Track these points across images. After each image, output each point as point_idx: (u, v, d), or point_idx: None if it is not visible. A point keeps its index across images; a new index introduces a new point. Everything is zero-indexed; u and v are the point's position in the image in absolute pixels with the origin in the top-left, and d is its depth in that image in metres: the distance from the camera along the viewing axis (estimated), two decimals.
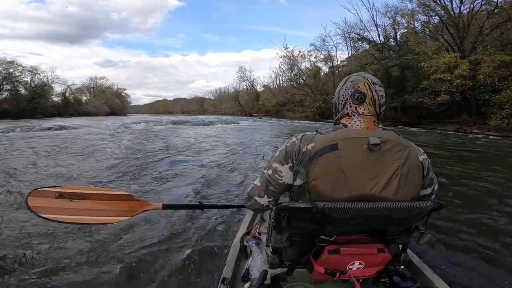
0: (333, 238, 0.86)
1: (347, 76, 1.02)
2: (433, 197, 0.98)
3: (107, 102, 53.78)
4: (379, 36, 26.10)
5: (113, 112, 52.14)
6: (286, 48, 39.48)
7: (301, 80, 40.64)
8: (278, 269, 1.08)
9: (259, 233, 1.55)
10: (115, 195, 1.25)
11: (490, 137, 12.61)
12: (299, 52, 40.49)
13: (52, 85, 44.11)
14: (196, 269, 1.94)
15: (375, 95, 0.94)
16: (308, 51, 39.94)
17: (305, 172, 0.85)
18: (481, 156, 7.50)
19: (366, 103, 0.94)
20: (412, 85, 20.60)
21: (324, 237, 0.86)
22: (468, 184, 4.35)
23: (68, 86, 48.26)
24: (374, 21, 25.92)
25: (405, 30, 23.51)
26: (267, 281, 1.11)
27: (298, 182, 0.88)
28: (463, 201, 3.52)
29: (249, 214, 1.82)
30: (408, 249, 1.03)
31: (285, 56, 40.72)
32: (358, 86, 0.94)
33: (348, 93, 0.96)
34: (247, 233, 1.53)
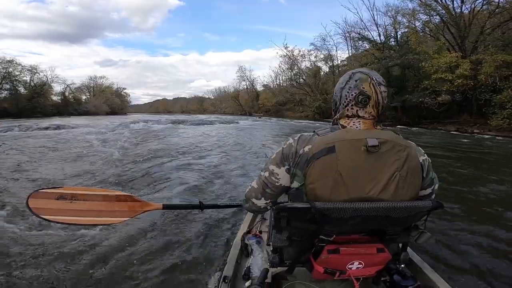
0: (332, 238, 0.86)
1: (350, 72, 0.95)
2: (433, 196, 0.96)
3: (106, 101, 53.66)
4: (379, 36, 26.07)
5: (112, 112, 52.02)
6: (286, 48, 39.44)
7: (301, 80, 40.56)
8: (278, 267, 1.07)
9: (260, 232, 1.54)
10: (116, 196, 1.25)
11: (498, 138, 12.54)
12: (299, 51, 40.44)
13: (52, 85, 44.08)
14: (198, 268, 1.95)
15: (380, 97, 0.90)
16: (308, 51, 39.83)
17: (302, 174, 0.84)
18: (485, 156, 7.46)
19: (369, 105, 0.90)
20: (413, 85, 20.52)
21: (323, 237, 0.86)
22: (469, 184, 4.32)
23: (67, 85, 48.20)
24: (374, 20, 25.90)
25: (406, 30, 23.46)
26: (268, 280, 1.11)
27: (296, 184, 0.87)
28: (464, 201, 3.52)
29: (250, 213, 1.80)
30: (408, 248, 1.03)
31: (285, 56, 40.66)
32: (363, 87, 0.89)
33: (352, 95, 0.90)
34: (248, 232, 1.52)
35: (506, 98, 14.22)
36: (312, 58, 38.86)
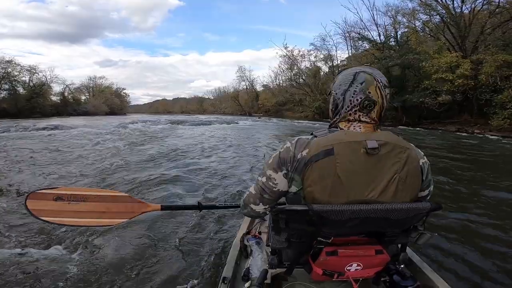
0: (330, 240, 0.85)
1: (353, 72, 0.88)
2: (428, 197, 0.96)
3: (106, 101, 53.65)
4: (379, 36, 25.99)
5: (112, 112, 51.98)
6: (286, 48, 39.40)
7: (300, 80, 40.49)
8: (278, 268, 1.08)
9: (260, 233, 1.53)
10: (114, 196, 1.24)
11: (499, 138, 12.41)
12: (299, 51, 40.39)
13: (51, 85, 44.07)
14: (197, 269, 1.94)
15: (385, 101, 0.87)
16: (308, 51, 39.73)
17: (300, 179, 0.82)
18: (486, 156, 7.38)
19: (373, 111, 0.86)
20: (413, 85, 20.44)
21: (322, 239, 0.85)
22: (469, 184, 4.32)
23: (67, 85, 48.17)
24: (374, 20, 25.82)
25: (406, 30, 23.38)
26: (267, 281, 1.10)
27: (293, 189, 0.86)
28: (464, 201, 3.52)
29: None
30: (408, 248, 1.03)
31: (284, 56, 40.61)
32: (369, 92, 0.84)
33: (357, 100, 0.85)
34: (248, 233, 1.51)
35: (507, 98, 14.14)
36: (312, 58, 38.85)
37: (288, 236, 0.91)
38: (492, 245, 2.34)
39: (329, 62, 36.34)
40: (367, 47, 27.44)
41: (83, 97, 54.19)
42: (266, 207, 0.96)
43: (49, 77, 43.59)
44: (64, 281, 1.81)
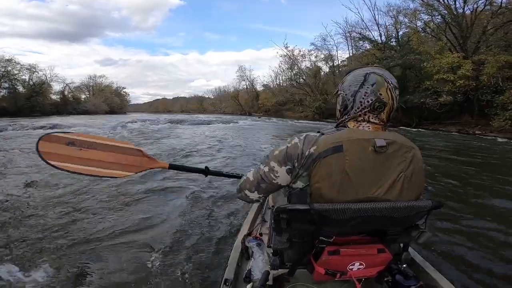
0: (332, 239, 0.85)
1: (364, 72, 0.87)
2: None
3: (106, 100, 53.47)
4: (380, 36, 25.85)
5: (112, 111, 51.82)
6: (286, 47, 39.27)
7: (301, 80, 40.40)
8: (279, 269, 1.07)
9: (261, 234, 1.51)
10: (125, 148, 1.22)
11: (500, 139, 12.32)
12: (299, 51, 40.30)
13: (51, 83, 43.91)
14: (198, 270, 1.94)
15: (395, 103, 0.87)
16: (308, 51, 39.69)
17: (308, 175, 0.82)
18: (487, 157, 7.30)
19: (383, 112, 0.86)
20: (414, 85, 20.34)
21: (324, 238, 0.85)
22: (472, 185, 4.31)
23: (67, 84, 48.03)
24: (375, 20, 25.70)
25: (407, 30, 23.26)
26: (269, 282, 1.09)
27: (299, 185, 0.85)
28: (466, 201, 3.51)
29: (250, 215, 1.83)
30: (410, 248, 1.03)
31: (285, 55, 40.47)
32: (381, 94, 0.84)
33: (368, 101, 0.85)
34: (249, 234, 1.50)
35: (509, 99, 14.05)
36: (313, 58, 38.79)
37: (289, 237, 0.90)
38: (496, 244, 2.34)
39: (329, 62, 36.31)
40: (368, 47, 27.31)
41: (83, 96, 54.05)
42: (260, 196, 0.97)
43: (49, 75, 43.49)
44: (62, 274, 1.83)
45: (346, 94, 0.90)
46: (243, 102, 60.11)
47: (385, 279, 0.98)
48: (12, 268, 1.86)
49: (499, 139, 12.14)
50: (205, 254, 2.17)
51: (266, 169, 0.91)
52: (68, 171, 1.12)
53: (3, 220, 2.63)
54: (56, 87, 46.49)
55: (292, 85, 43.06)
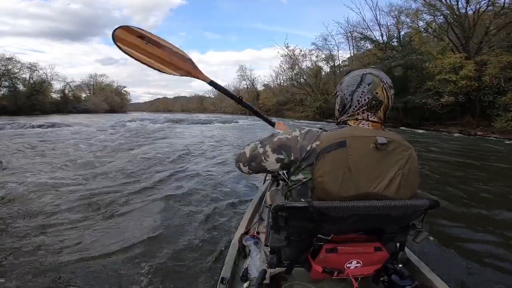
0: (330, 237, 0.86)
1: (361, 73, 0.92)
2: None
3: (106, 99, 53.42)
4: (382, 36, 25.74)
5: (112, 110, 51.77)
6: (287, 47, 39.13)
7: (302, 80, 40.29)
8: (277, 268, 1.08)
9: (258, 233, 1.53)
10: (179, 54, 1.40)
11: (502, 140, 12.24)
12: (300, 51, 40.16)
13: (52, 82, 43.87)
14: (195, 269, 1.94)
15: (390, 102, 0.91)
16: (309, 50, 39.63)
17: (310, 169, 0.83)
18: (489, 158, 7.25)
19: (380, 110, 0.90)
20: (415, 86, 20.21)
21: (322, 236, 0.86)
22: (471, 186, 4.29)
23: (67, 83, 47.98)
24: (377, 20, 25.58)
25: (409, 30, 23.13)
26: (266, 281, 1.10)
27: (300, 177, 0.87)
28: (463, 201, 3.55)
29: (247, 213, 1.83)
30: (406, 248, 1.04)
31: (286, 55, 40.39)
32: (377, 92, 0.89)
33: (365, 100, 0.89)
34: (246, 233, 1.51)
35: (511, 100, 13.95)
36: (313, 58, 38.66)
37: (287, 235, 0.90)
38: (490, 245, 2.36)
39: (330, 62, 36.15)
40: (370, 47, 27.17)
41: (84, 95, 54.02)
42: (250, 171, 1.02)
43: (49, 74, 43.47)
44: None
45: (344, 94, 0.94)
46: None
47: (381, 278, 0.99)
48: None
49: (507, 141, 12.02)
50: (202, 252, 2.17)
51: (261, 150, 0.95)
52: (132, 57, 1.33)
53: None
54: (57, 85, 46.54)
55: (292, 85, 42.97)
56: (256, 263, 1.24)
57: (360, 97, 0.90)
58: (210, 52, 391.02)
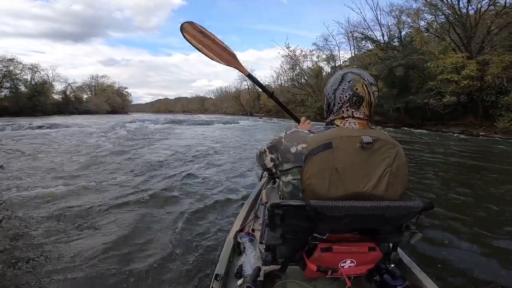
0: (325, 236, 0.87)
1: (342, 72, 0.95)
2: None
3: (108, 100, 53.59)
4: (383, 36, 25.68)
5: (113, 111, 51.94)
6: (288, 47, 39.04)
7: (303, 80, 40.21)
8: (271, 266, 1.08)
9: (253, 230, 1.53)
10: (227, 49, 1.74)
11: (506, 140, 12.15)
12: (301, 51, 40.08)
13: (53, 83, 44.05)
14: (190, 265, 1.94)
15: (372, 98, 0.92)
16: (310, 51, 39.52)
17: (299, 171, 0.85)
18: (492, 158, 7.16)
19: (362, 106, 0.91)
20: (417, 86, 20.11)
21: (317, 235, 0.87)
22: (472, 187, 4.22)
23: (69, 84, 48.20)
24: (378, 20, 25.55)
25: (410, 30, 23.04)
26: (260, 278, 1.10)
27: (290, 178, 0.89)
28: (458, 202, 3.52)
29: (243, 211, 1.83)
30: (398, 248, 1.04)
31: (287, 56, 40.30)
32: (357, 89, 0.91)
33: (346, 96, 0.92)
34: (241, 230, 1.52)
35: None
36: (314, 58, 38.57)
37: (283, 233, 0.90)
38: (481, 246, 2.36)
39: (331, 63, 36.05)
40: (371, 47, 27.09)
41: (85, 96, 54.18)
42: (260, 166, 1.10)
43: (51, 75, 43.71)
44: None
45: (328, 94, 0.98)
46: (245, 102, 60.05)
47: (374, 278, 1.01)
48: None
49: (505, 140, 11.90)
50: (196, 249, 2.15)
51: (263, 150, 1.06)
52: (194, 46, 1.68)
53: None
54: (58, 87, 46.85)
55: (293, 85, 42.87)
56: (250, 260, 1.24)
57: (342, 94, 0.92)
58: None
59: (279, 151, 0.93)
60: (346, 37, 30.96)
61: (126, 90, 66.87)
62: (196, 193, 3.58)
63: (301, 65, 40.21)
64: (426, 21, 21.33)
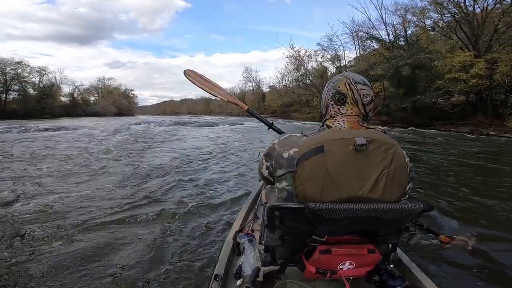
0: (324, 239, 0.87)
1: (331, 78, 1.01)
2: (408, 193, 0.97)
3: (114, 102, 54.20)
4: (388, 35, 25.36)
5: (120, 113, 52.47)
6: (292, 48, 38.93)
7: (307, 81, 40.05)
8: (270, 266, 1.07)
9: (252, 231, 1.52)
10: (226, 92, 1.97)
11: None
12: (306, 52, 39.97)
13: (61, 86, 44.69)
14: (189, 266, 1.94)
15: (356, 94, 0.92)
16: (314, 51, 39.43)
17: (291, 177, 0.84)
18: (499, 158, 6.92)
19: (347, 103, 0.93)
20: (424, 85, 19.81)
21: (316, 237, 0.87)
22: (473, 186, 4.16)
23: (76, 86, 48.85)
24: (383, 19, 25.24)
25: (416, 29, 22.71)
26: (260, 278, 1.09)
27: (284, 185, 0.88)
28: (455, 201, 3.46)
29: (242, 211, 1.82)
30: (397, 248, 1.04)
31: (291, 56, 40.24)
32: (339, 87, 0.94)
33: (329, 95, 0.96)
34: (240, 230, 1.51)
35: None
36: (319, 59, 38.39)
37: (282, 234, 0.90)
38: (481, 245, 2.31)
39: (336, 63, 35.78)
40: (376, 47, 26.79)
41: (92, 98, 54.87)
42: (260, 176, 1.08)
43: (58, 78, 44.37)
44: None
45: (321, 98, 1.03)
46: (249, 103, 60.02)
47: (373, 278, 1.01)
48: None
49: None
50: (196, 249, 2.16)
51: (261, 158, 1.03)
52: (198, 86, 1.95)
53: None
54: (66, 89, 47.35)
55: (298, 86, 42.76)
56: (250, 260, 1.24)
57: (327, 94, 0.97)
58: (216, 54, 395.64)
59: (273, 157, 0.92)
60: (350, 36, 30.66)
61: (132, 92, 67.67)
62: (196, 193, 3.57)
63: (305, 65, 40.14)
64: (432, 19, 21.03)
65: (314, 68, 39.78)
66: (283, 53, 54.18)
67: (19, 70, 37.54)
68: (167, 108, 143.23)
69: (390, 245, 1.00)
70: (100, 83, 58.19)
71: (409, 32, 23.89)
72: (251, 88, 60.55)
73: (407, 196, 0.95)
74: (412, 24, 23.20)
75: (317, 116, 33.04)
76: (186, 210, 2.94)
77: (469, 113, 17.38)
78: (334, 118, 0.94)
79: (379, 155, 0.81)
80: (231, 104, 1.97)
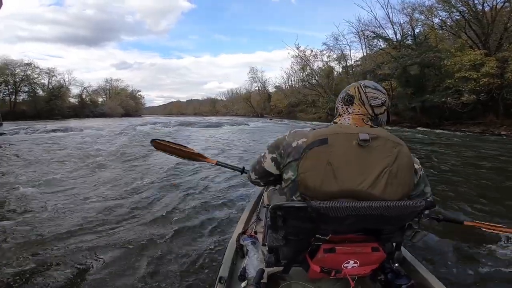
0: (328, 237, 0.87)
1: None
2: (428, 197, 0.98)
3: (121, 103, 54.83)
4: (395, 34, 24.94)
5: (127, 114, 53.02)
6: (298, 48, 38.64)
7: (313, 81, 39.74)
8: (274, 267, 1.09)
9: (255, 232, 1.53)
10: (192, 151, 1.88)
11: None
12: (311, 51, 39.58)
13: (69, 87, 45.44)
14: (193, 268, 1.95)
15: (364, 96, 0.96)
16: (320, 51, 39.00)
17: (296, 165, 0.86)
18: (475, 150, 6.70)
19: (355, 103, 0.97)
20: (433, 84, 19.42)
21: (320, 236, 0.87)
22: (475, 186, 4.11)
23: (84, 88, 49.58)
24: (389, 18, 24.80)
25: (424, 27, 22.29)
26: (264, 280, 1.09)
27: (290, 174, 0.89)
28: (458, 198, 3.48)
29: (245, 213, 1.85)
30: (401, 247, 1.04)
31: (297, 56, 39.90)
32: (349, 91, 1.00)
33: (340, 98, 1.02)
34: (243, 233, 1.52)
35: None
36: (325, 58, 37.99)
37: (285, 234, 0.90)
38: (485, 243, 2.27)
39: (342, 62, 35.46)
40: (383, 46, 26.41)
41: (100, 99, 55.59)
42: (256, 177, 1.11)
43: (67, 79, 45.11)
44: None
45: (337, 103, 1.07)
46: (255, 103, 60.05)
47: (378, 277, 1.00)
48: None
49: None
50: (200, 252, 2.17)
51: (262, 153, 1.05)
52: (165, 153, 1.91)
53: None
54: (74, 90, 48.08)
55: (304, 86, 42.47)
56: (253, 262, 1.24)
57: (339, 97, 1.04)
58: (222, 54, 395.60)
59: (282, 147, 0.94)
60: (357, 36, 30.28)
61: (139, 93, 68.37)
62: (198, 196, 3.55)
63: (311, 65, 39.77)
64: (440, 18, 20.60)
65: (320, 68, 39.47)
66: (289, 53, 54.11)
67: (29, 72, 38.31)
68: (173, 108, 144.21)
69: (394, 244, 1.00)
70: (107, 84, 59.06)
71: (416, 31, 23.46)
72: (257, 88, 60.44)
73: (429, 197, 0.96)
74: (420, 22, 22.80)
75: (323, 116, 32.79)
76: (188, 212, 2.94)
77: (479, 113, 16.97)
78: (341, 116, 0.99)
79: (382, 152, 0.83)
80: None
